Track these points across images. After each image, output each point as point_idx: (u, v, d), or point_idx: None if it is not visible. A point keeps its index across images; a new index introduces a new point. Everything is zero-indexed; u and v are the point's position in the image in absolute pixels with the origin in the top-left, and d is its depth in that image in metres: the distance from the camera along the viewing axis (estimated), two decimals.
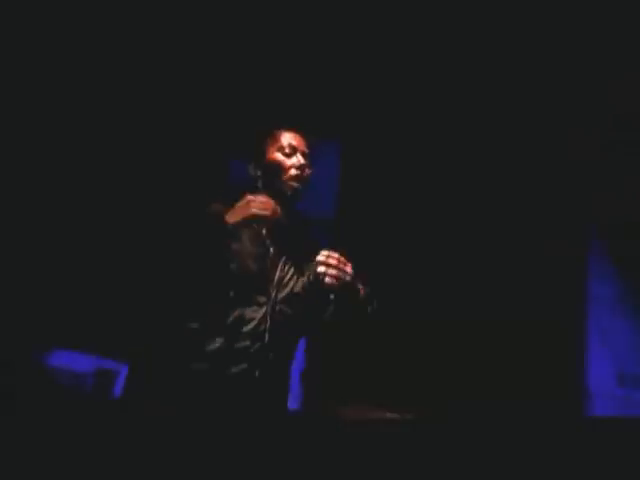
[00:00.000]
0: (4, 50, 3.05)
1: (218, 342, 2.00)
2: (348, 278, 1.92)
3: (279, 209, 1.99)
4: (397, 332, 3.03)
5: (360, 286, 2.02)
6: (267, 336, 1.99)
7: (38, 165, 3.17)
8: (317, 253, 2.12)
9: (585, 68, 2.94)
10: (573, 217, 2.90)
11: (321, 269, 1.89)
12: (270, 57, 3.35)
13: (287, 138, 2.13)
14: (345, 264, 1.94)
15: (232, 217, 1.96)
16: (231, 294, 1.99)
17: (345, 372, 2.67)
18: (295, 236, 2.13)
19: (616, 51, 2.88)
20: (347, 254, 2.28)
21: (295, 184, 2.09)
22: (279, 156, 2.11)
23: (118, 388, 2.79)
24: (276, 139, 2.13)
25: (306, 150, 2.15)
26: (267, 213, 1.95)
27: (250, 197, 1.97)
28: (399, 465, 2.37)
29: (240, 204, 1.96)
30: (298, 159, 2.10)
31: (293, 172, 2.09)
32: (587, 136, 2.91)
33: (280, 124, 2.25)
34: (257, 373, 1.98)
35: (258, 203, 1.94)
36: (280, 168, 2.10)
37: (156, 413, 2.42)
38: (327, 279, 1.90)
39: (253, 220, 1.96)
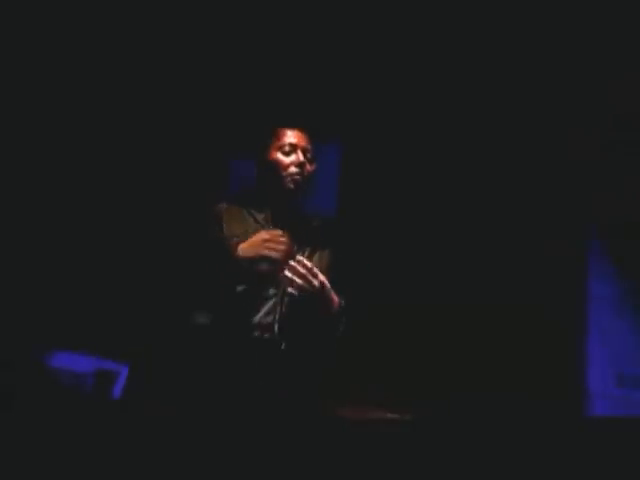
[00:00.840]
0: (4, 50, 3.05)
1: (228, 333, 2.02)
2: (313, 289, 1.96)
3: (292, 247, 2.02)
4: (396, 332, 3.03)
5: (334, 298, 2.05)
6: (276, 327, 2.02)
7: (38, 166, 3.17)
8: (324, 248, 2.17)
9: (585, 68, 2.94)
10: (573, 217, 2.90)
11: (287, 274, 1.94)
12: (270, 57, 3.35)
13: (287, 136, 2.17)
14: (314, 275, 1.97)
15: (245, 252, 1.99)
16: (239, 289, 2.02)
17: (345, 372, 2.67)
18: (303, 231, 2.16)
19: (616, 51, 2.88)
20: (348, 251, 2.30)
21: (296, 179, 2.12)
22: (279, 155, 2.14)
23: (118, 389, 2.79)
24: (277, 138, 2.17)
25: (307, 146, 2.18)
26: (279, 256, 1.97)
27: (265, 235, 2.00)
28: (399, 465, 2.37)
29: (255, 240, 1.99)
30: (297, 156, 2.14)
31: (292, 169, 2.13)
32: (587, 136, 2.91)
33: (280, 124, 2.26)
34: (268, 364, 2.00)
35: (272, 244, 1.97)
36: (280, 166, 2.13)
37: (156, 413, 2.42)
38: (290, 289, 1.96)
39: (264, 260, 1.98)
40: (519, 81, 3.06)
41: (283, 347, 2.02)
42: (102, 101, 3.31)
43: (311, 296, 1.97)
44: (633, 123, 2.82)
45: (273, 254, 1.97)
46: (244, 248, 1.99)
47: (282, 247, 1.98)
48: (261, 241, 1.98)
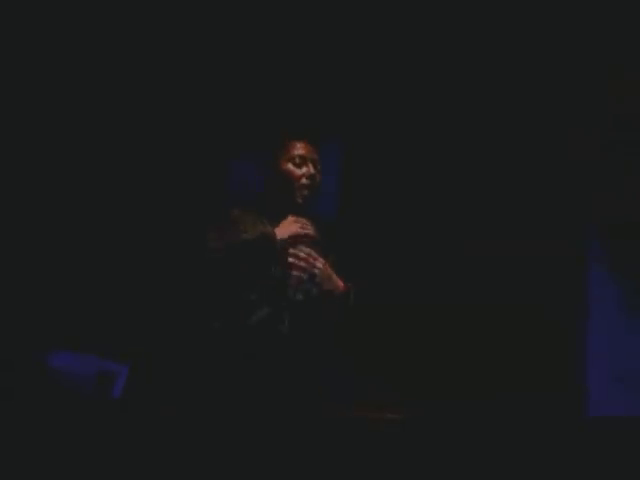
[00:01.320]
0: (4, 50, 3.05)
1: (238, 339, 2.05)
2: (316, 271, 2.10)
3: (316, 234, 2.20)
4: (396, 332, 3.03)
5: (338, 281, 2.17)
6: (286, 333, 2.05)
7: (39, 167, 3.17)
8: (327, 254, 2.21)
9: (585, 68, 2.94)
10: (573, 217, 2.90)
11: (290, 259, 2.09)
12: (271, 56, 3.35)
13: (297, 148, 2.25)
14: (315, 259, 2.12)
15: (282, 233, 2.13)
16: (252, 297, 2.06)
17: (345, 372, 2.68)
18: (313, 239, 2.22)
19: (616, 51, 2.88)
20: (349, 252, 2.31)
21: (306, 192, 2.21)
22: (290, 166, 2.22)
23: (118, 389, 2.80)
24: (286, 150, 2.25)
25: (316, 158, 2.27)
26: (312, 234, 2.17)
27: (294, 218, 2.18)
28: (399, 464, 2.37)
29: (287, 222, 2.17)
30: (308, 168, 2.23)
31: (304, 181, 2.21)
32: (587, 136, 2.91)
33: (280, 123, 2.28)
34: (278, 370, 2.03)
35: (302, 224, 2.16)
36: (291, 178, 2.21)
37: (156, 413, 2.42)
38: (294, 272, 2.10)
39: (295, 238, 2.15)
40: (519, 81, 3.06)
41: (293, 355, 2.06)
42: (102, 103, 3.31)
43: (315, 279, 2.09)
44: (633, 123, 2.82)
45: (307, 232, 2.15)
46: (280, 231, 2.13)
47: (311, 229, 2.16)
48: (293, 222, 2.15)
